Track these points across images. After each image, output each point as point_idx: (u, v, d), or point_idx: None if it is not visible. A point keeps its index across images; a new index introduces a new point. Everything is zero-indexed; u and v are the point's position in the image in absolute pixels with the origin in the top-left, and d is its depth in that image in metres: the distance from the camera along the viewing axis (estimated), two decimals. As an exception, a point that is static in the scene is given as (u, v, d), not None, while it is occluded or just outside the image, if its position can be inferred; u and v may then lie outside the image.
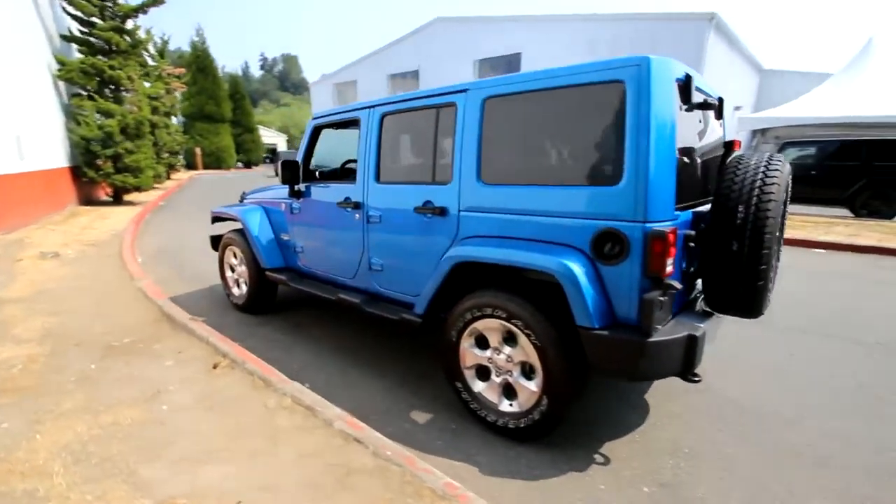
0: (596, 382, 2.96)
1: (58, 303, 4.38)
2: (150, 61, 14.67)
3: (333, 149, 4.26)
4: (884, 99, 11.88)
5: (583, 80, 2.06)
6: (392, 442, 2.22)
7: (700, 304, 2.41)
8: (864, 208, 9.44)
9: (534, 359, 2.22)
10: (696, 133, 2.38)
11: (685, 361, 1.98)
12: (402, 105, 2.83)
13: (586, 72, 2.04)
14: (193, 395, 2.76)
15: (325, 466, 2.09)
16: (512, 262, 2.19)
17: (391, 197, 2.88)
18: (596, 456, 2.30)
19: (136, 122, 10.62)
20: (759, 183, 2.05)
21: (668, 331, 1.98)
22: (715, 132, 2.69)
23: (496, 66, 20.69)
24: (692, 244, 2.14)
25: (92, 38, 10.41)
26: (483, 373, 2.51)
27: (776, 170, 2.08)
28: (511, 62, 20.02)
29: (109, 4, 10.69)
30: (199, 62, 27.38)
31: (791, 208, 5.36)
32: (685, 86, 2.08)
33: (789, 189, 2.40)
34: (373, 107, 3.00)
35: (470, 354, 2.51)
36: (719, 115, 2.69)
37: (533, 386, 2.26)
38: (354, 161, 4.02)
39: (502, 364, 2.39)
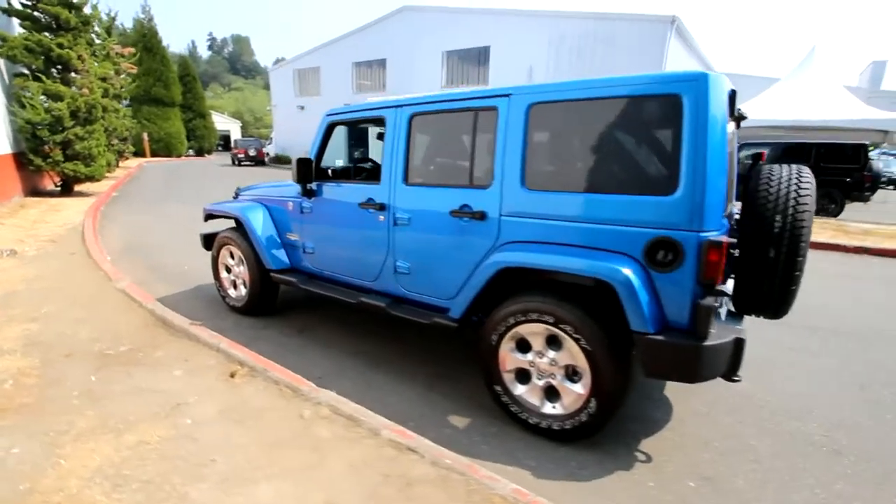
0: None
1: (32, 307, 4.01)
2: (96, 39, 13.55)
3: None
4: (827, 104, 12.90)
5: (637, 92, 2.11)
6: (448, 450, 2.21)
7: (727, 307, 2.54)
8: (813, 207, 10.21)
9: (581, 362, 2.27)
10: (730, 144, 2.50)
11: (732, 363, 2.10)
12: (435, 106, 2.78)
13: (641, 84, 2.09)
14: (217, 407, 2.62)
15: (381, 478, 2.05)
16: (565, 269, 2.22)
17: (422, 199, 2.83)
18: (637, 454, 2.39)
19: (88, 105, 9.81)
20: (793, 194, 2.18)
21: (717, 335, 2.08)
22: (734, 141, 2.83)
23: (465, 59, 20.66)
24: (732, 251, 2.25)
25: (37, 13, 9.47)
26: (523, 376, 2.54)
27: (808, 182, 2.22)
28: (480, 55, 20.05)
29: (55, -25, 9.76)
30: (145, 41, 25.57)
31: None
32: (731, 100, 2.17)
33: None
34: (400, 106, 2.93)
35: (511, 358, 2.53)
36: (738, 125, 2.83)
37: (579, 388, 2.32)
38: (366, 160, 3.95)
39: (545, 367, 2.43)
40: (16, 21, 9.46)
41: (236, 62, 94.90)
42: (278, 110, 28.65)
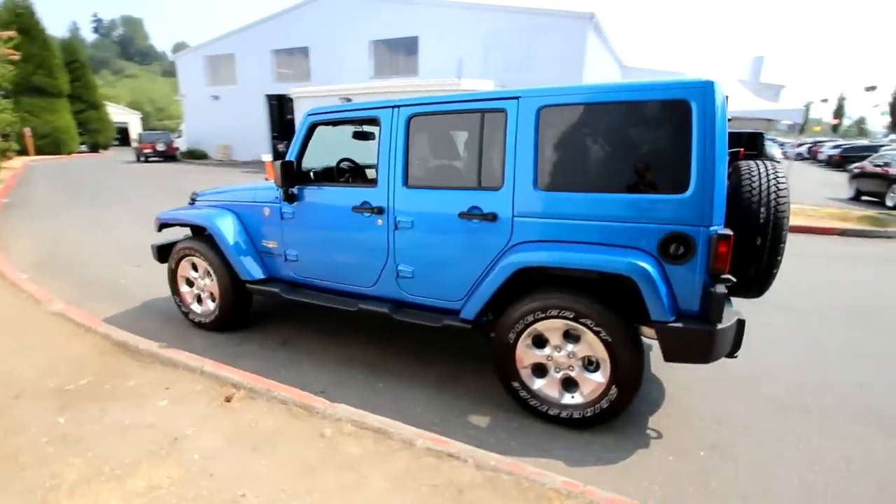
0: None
1: (-52, 343, 3.40)
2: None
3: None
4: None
5: (647, 97, 2.24)
6: (489, 452, 2.23)
7: None
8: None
9: (601, 353, 2.40)
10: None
11: (735, 342, 2.33)
12: (436, 108, 2.74)
13: (651, 90, 2.23)
14: (222, 436, 2.43)
15: (430, 489, 2.04)
16: (587, 266, 2.32)
17: (426, 202, 2.79)
18: (649, 432, 2.58)
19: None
20: (773, 188, 2.46)
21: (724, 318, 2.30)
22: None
23: (394, 49, 20.34)
24: None
25: None
26: (539, 370, 2.63)
27: (784, 178, 2.51)
28: (409, 45, 19.84)
29: None
30: (20, 22, 22.13)
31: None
32: (724, 104, 2.38)
33: None
34: (397, 107, 2.85)
35: (528, 354, 2.60)
36: None
37: (599, 377, 2.45)
38: (350, 161, 3.79)
39: (563, 360, 2.54)
40: None
41: (129, 46, 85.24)
42: (188, 100, 26.29)
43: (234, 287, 3.61)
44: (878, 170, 11.47)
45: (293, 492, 2.03)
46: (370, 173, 4.14)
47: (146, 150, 23.04)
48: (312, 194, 3.24)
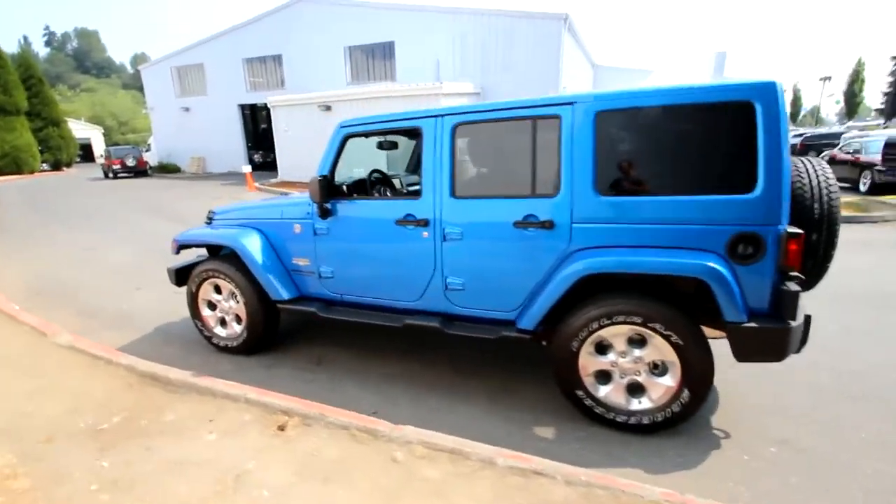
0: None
1: (-45, 387, 3.14)
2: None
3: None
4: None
5: (710, 99, 2.24)
6: (574, 466, 2.19)
7: None
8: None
9: (670, 356, 2.39)
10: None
11: (804, 338, 2.36)
12: (483, 115, 2.68)
13: (714, 91, 2.23)
14: (288, 468, 2.30)
15: (523, 509, 1.98)
16: (656, 270, 2.30)
17: (476, 212, 2.73)
18: (715, 431, 2.59)
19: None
20: (825, 186, 2.50)
21: (793, 315, 2.32)
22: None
23: (370, 54, 20.17)
24: None
25: None
26: (602, 377, 2.61)
27: (832, 174, 2.56)
28: (385, 50, 19.71)
29: None
30: (-30, 35, 20.92)
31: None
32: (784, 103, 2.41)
33: None
34: (440, 116, 2.78)
35: (591, 362, 2.57)
36: None
37: (668, 381, 2.44)
38: (380, 172, 3.70)
39: (629, 366, 2.51)
40: None
41: (84, 59, 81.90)
42: (157, 113, 25.42)
43: (263, 308, 3.47)
44: (849, 157, 12.00)
45: (383, 524, 1.94)
46: (394, 183, 4.07)
47: (115, 166, 22.14)
48: (349, 209, 3.14)
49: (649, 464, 2.34)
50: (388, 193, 3.79)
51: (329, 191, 3.11)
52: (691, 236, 2.31)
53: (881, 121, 40.69)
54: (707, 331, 2.48)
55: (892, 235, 7.03)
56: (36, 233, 9.31)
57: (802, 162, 2.63)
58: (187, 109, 24.01)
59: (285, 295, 3.38)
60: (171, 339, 4.07)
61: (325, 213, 3.15)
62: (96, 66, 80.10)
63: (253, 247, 3.38)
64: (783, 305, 2.22)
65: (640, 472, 2.29)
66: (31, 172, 24.87)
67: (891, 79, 43.37)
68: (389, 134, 3.19)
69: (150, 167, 24.05)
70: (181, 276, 3.80)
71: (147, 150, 27.14)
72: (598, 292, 2.53)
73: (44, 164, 27.20)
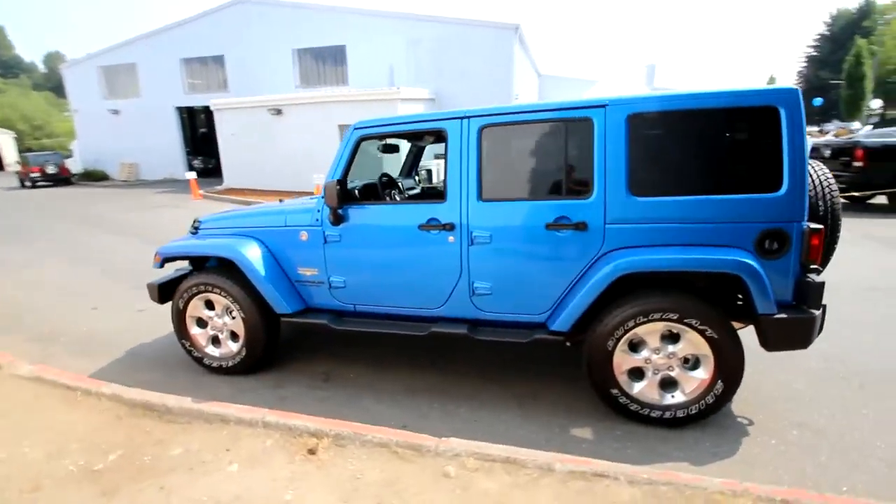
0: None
1: None
2: None
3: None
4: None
5: (738, 104, 2.36)
6: (633, 465, 2.19)
7: None
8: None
9: (704, 350, 2.47)
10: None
11: (821, 326, 2.52)
12: (511, 118, 2.66)
13: (741, 96, 2.35)
14: (331, 495, 2.14)
15: (593, 513, 1.95)
16: (693, 267, 2.38)
17: (506, 215, 2.70)
18: (740, 419, 2.70)
19: None
20: (826, 184, 2.70)
21: (812, 305, 2.48)
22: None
23: (320, 58, 19.66)
24: None
25: None
26: (635, 374, 2.65)
27: (829, 172, 2.77)
28: (336, 54, 19.30)
29: None
30: None
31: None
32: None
33: None
34: (466, 118, 2.72)
35: (625, 360, 2.60)
36: None
37: (702, 374, 2.52)
38: (389, 176, 3.56)
39: (661, 362, 2.57)
40: None
41: (-14, 57, 73.44)
42: (81, 116, 23.23)
43: (264, 323, 3.22)
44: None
45: (455, 544, 1.84)
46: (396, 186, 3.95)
47: (33, 174, 19.99)
48: (364, 214, 2.99)
49: (692, 456, 2.40)
50: (398, 198, 3.67)
51: (340, 197, 2.95)
52: (721, 234, 2.41)
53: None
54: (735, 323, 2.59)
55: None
56: (-51, 250, 8.17)
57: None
58: (117, 112, 22.17)
59: (291, 308, 3.16)
60: (149, 362, 3.69)
61: (337, 220, 2.99)
62: (3, 64, 72.15)
63: (254, 257, 3.14)
64: (809, 296, 2.36)
65: (686, 464, 2.34)
66: (-73, 182, 21.89)
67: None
68: (407, 136, 3.08)
69: (74, 175, 21.94)
70: (165, 292, 3.46)
71: (69, 157, 24.68)
72: (627, 292, 2.58)
73: (-58, 173, 24.00)
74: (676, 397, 2.60)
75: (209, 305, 3.36)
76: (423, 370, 3.40)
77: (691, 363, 2.57)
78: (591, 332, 2.61)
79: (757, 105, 2.33)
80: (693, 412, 2.55)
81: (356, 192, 3.22)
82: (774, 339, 2.42)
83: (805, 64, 50.53)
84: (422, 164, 4.57)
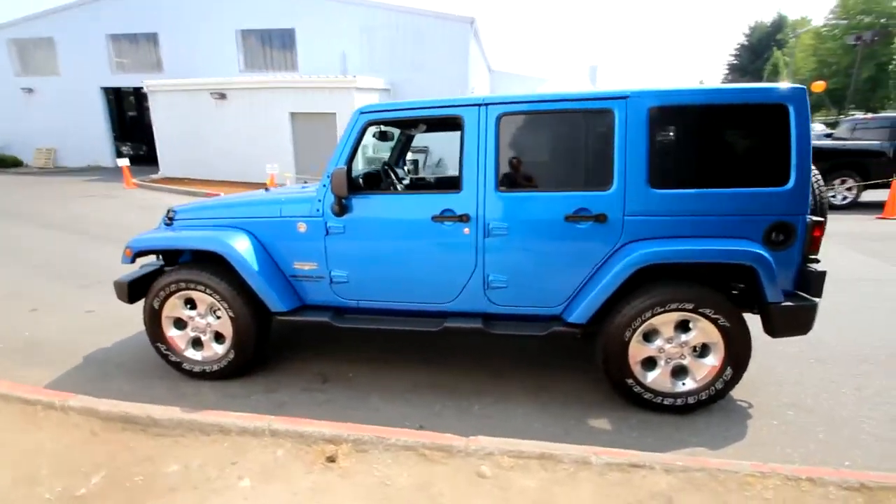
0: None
1: None
2: None
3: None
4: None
5: (749, 100, 2.44)
6: (665, 454, 2.22)
7: None
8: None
9: (715, 338, 2.57)
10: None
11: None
12: (531, 107, 2.61)
13: (754, 93, 2.44)
14: (362, 504, 2.00)
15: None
16: (710, 259, 2.45)
17: (524, 207, 2.64)
18: (740, 403, 2.83)
19: None
20: (815, 180, 2.89)
21: (810, 293, 2.64)
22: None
23: (267, 41, 18.64)
24: None
25: None
26: (649, 363, 2.70)
27: (816, 169, 2.96)
28: (284, 38, 18.38)
29: None
30: None
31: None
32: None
33: None
34: (485, 105, 2.63)
35: (640, 350, 2.65)
36: None
37: (712, 361, 2.62)
38: (390, 165, 3.38)
39: (674, 351, 2.64)
40: None
41: None
42: (-15, 94, 20.53)
43: (256, 322, 2.97)
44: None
45: (508, 546, 1.78)
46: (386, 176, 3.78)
47: (-75, 159, 17.40)
48: (371, 204, 2.82)
49: (707, 441, 2.49)
50: (399, 188, 3.50)
51: (347, 185, 2.76)
52: (734, 226, 2.50)
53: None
54: None
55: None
56: None
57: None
58: (30, 91, 19.80)
59: (287, 305, 2.94)
60: (116, 369, 3.30)
61: (342, 210, 2.80)
62: None
63: (245, 250, 2.87)
64: (811, 285, 2.51)
65: (703, 449, 2.42)
66: None
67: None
68: (419, 122, 2.93)
69: (-22, 161, 19.38)
70: (135, 290, 3.09)
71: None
72: (637, 285, 2.61)
73: None
74: (687, 384, 2.68)
75: (190, 304, 3.05)
76: (423, 367, 3.29)
77: (699, 351, 2.66)
78: (608, 324, 2.63)
79: (768, 102, 2.43)
80: (703, 398, 2.64)
81: (360, 180, 3.03)
82: (780, 325, 2.55)
83: (727, 72, 54.67)
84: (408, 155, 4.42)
